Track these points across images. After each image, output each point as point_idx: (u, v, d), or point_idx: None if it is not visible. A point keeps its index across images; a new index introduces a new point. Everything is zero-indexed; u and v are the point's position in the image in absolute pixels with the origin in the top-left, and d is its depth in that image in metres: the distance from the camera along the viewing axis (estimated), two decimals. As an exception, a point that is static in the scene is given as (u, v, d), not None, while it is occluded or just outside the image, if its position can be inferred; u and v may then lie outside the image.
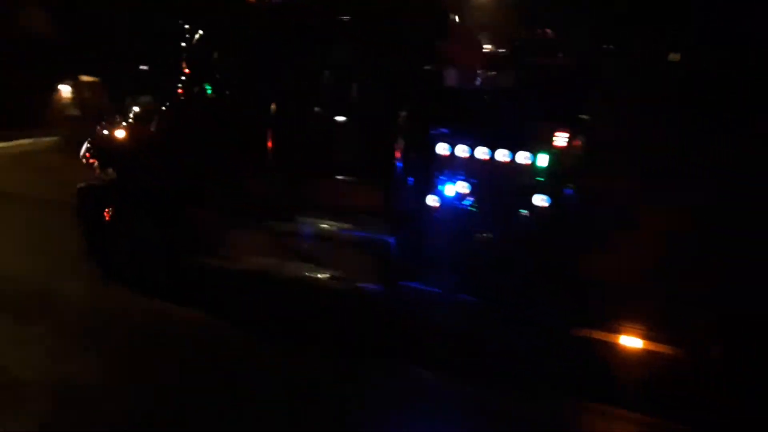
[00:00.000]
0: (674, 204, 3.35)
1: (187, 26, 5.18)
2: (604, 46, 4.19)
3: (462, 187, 4.01)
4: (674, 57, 3.97)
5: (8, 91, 13.66)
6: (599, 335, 3.67)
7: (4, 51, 15.41)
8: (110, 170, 5.36)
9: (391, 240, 4.27)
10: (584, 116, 3.75)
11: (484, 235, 3.98)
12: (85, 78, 15.31)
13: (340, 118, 4.42)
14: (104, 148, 5.43)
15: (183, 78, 5.03)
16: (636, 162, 3.52)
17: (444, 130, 4.08)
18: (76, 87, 15.04)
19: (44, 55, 16.91)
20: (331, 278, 4.45)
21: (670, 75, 3.71)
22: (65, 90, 14.66)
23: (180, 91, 5.09)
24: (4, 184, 8.53)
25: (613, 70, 3.87)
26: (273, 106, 4.60)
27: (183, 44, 5.13)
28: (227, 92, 4.87)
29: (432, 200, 4.10)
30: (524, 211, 3.83)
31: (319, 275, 4.46)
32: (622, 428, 3.56)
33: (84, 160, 5.52)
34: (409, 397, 3.72)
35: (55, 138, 12.75)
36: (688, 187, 3.30)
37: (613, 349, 3.65)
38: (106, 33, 16.35)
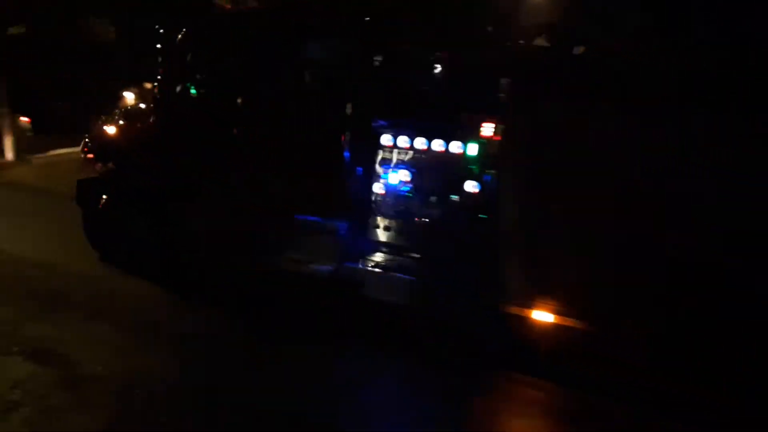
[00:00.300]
0: (582, 190, 3.67)
1: (162, 30, 5.61)
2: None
3: (404, 175, 4.44)
4: (579, 50, 4.09)
5: (75, 97, 14.13)
6: (519, 310, 3.94)
7: (71, 59, 15.92)
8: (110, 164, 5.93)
9: (344, 225, 4.69)
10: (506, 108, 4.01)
11: (422, 219, 4.39)
12: (148, 85, 15.77)
13: (300, 115, 4.85)
14: (100, 144, 6.04)
15: (163, 79, 5.58)
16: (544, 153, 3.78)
17: (386, 122, 4.50)
18: (140, 94, 15.48)
19: (109, 63, 17.41)
20: (291, 261, 4.91)
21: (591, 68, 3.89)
22: (129, 97, 15.11)
23: (156, 90, 5.78)
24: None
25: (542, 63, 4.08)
26: (241, 105, 5.14)
27: (160, 47, 5.84)
28: (206, 93, 5.37)
29: (378, 188, 4.55)
30: (455, 197, 4.24)
31: (280, 259, 4.94)
32: (535, 395, 4.00)
33: (82, 155, 6.19)
34: (336, 367, 4.23)
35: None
36: (596, 174, 3.62)
37: (531, 323, 3.92)
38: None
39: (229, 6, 5.64)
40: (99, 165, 6.00)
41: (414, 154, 4.39)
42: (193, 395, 3.74)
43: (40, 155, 13.84)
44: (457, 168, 4.21)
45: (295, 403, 3.75)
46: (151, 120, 5.74)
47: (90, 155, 6.10)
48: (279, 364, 4.21)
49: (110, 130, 5.98)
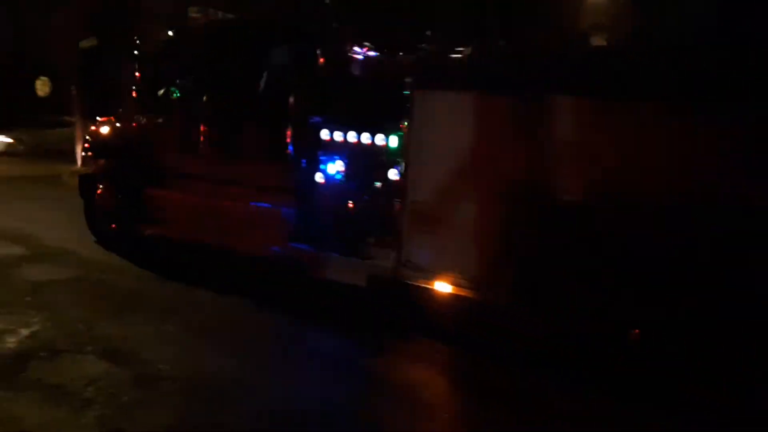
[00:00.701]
0: (469, 174, 4.35)
1: (138, 41, 6.85)
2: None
3: (339, 165, 5.05)
4: (466, 50, 4.69)
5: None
6: (425, 282, 4.51)
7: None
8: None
9: (290, 210, 5.32)
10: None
11: (350, 203, 5.04)
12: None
13: (253, 111, 5.68)
14: (95, 143, 7.11)
15: (141, 81, 6.61)
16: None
17: (322, 118, 5.16)
18: None
19: None
20: (242, 242, 5.65)
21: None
22: None
23: (134, 94, 6.71)
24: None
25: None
26: (206, 103, 5.98)
27: (136, 53, 6.76)
28: (180, 92, 6.26)
29: (318, 177, 5.17)
30: (378, 183, 4.89)
31: (231, 240, 5.73)
32: (432, 356, 4.48)
33: (83, 153, 7.36)
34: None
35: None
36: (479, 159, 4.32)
37: (430, 293, 4.51)
38: None
39: (199, 16, 6.63)
40: (97, 161, 6.98)
41: (346, 146, 5.04)
42: (257, 396, 3.79)
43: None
44: (380, 158, 4.86)
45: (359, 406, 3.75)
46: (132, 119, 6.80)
47: (89, 153, 7.15)
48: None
49: (103, 129, 7.08)
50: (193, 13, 6.73)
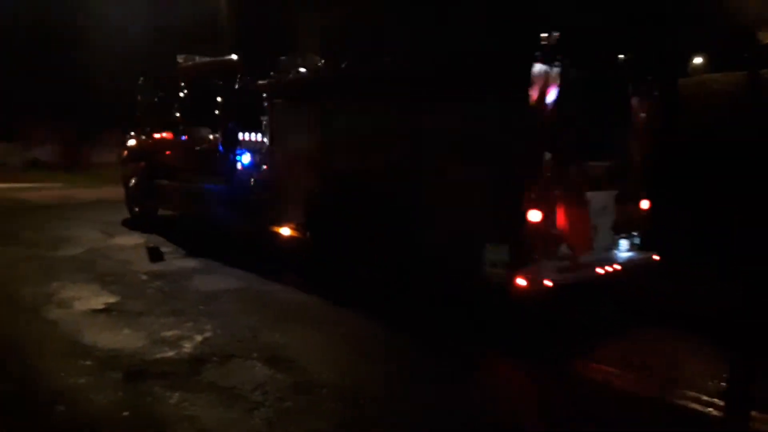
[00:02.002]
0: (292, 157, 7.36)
1: (142, 78, 10.36)
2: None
3: (249, 157, 8.00)
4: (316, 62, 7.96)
5: None
6: (277, 229, 7.43)
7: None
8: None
9: (223, 189, 8.28)
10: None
11: (255, 180, 7.90)
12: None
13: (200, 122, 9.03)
14: (127, 151, 10.88)
15: (140, 106, 10.39)
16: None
17: (235, 124, 8.18)
18: None
19: None
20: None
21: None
22: None
23: (138, 118, 10.50)
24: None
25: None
26: (182, 120, 9.43)
27: (139, 85, 10.32)
28: (165, 113, 9.72)
29: (239, 166, 8.02)
30: (265, 166, 7.78)
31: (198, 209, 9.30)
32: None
33: (121, 158, 11.29)
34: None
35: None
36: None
37: (282, 236, 7.36)
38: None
39: (182, 61, 9.56)
40: (128, 164, 10.75)
41: (248, 143, 8.12)
42: (412, 405, 3.76)
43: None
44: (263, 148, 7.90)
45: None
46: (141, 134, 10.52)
47: (125, 157, 11.00)
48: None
49: (130, 142, 10.77)
50: (180, 59, 9.61)
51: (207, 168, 8.57)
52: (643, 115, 5.91)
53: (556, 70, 4.69)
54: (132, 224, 9.98)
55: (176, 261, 7.33)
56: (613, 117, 5.63)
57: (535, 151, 4.77)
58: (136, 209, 10.36)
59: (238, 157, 7.94)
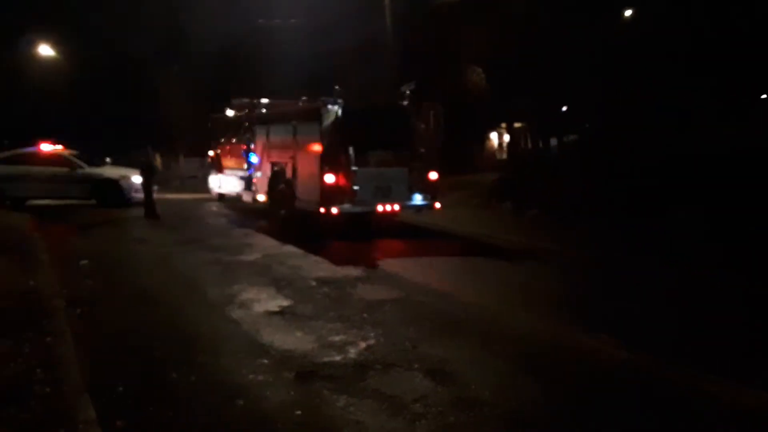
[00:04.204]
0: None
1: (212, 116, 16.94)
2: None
3: (255, 157, 13.74)
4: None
5: (452, 141, 16.10)
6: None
7: (449, 104, 18.52)
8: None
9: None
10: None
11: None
12: (515, 125, 17.05)
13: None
14: (212, 161, 16.87)
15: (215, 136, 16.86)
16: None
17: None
18: (499, 134, 16.89)
19: (479, 106, 19.46)
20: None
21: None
22: (495, 137, 16.59)
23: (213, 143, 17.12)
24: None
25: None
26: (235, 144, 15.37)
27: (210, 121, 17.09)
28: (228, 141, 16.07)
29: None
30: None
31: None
32: None
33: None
34: None
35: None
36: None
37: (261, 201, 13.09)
38: (531, 78, 17.52)
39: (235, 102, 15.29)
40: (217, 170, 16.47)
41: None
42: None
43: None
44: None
45: None
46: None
47: (213, 165, 17.03)
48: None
49: (210, 153, 17.17)
50: (235, 102, 15.16)
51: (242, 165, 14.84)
52: (422, 125, 10.91)
53: (336, 107, 10.25)
54: (300, 233, 10.65)
55: (340, 269, 7.67)
56: (398, 126, 10.57)
57: (329, 149, 10.20)
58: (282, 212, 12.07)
59: (252, 161, 13.86)
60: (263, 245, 9.59)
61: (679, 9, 15.02)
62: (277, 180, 11.94)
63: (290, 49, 23.86)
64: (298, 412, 3.75)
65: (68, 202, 15.67)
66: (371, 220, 11.09)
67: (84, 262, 8.26)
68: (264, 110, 13.80)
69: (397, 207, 10.38)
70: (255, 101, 14.19)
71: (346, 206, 9.91)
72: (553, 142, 19.39)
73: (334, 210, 9.78)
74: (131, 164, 16.31)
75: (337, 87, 10.76)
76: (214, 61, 26.20)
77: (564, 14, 15.94)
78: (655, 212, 9.99)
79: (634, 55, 15.21)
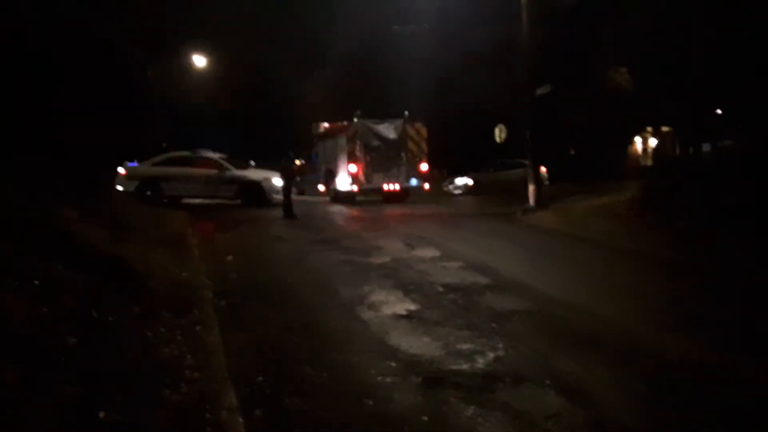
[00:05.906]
0: None
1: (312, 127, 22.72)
2: None
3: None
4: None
5: (585, 145, 15.48)
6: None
7: (590, 107, 17.85)
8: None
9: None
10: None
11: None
12: (663, 129, 15.95)
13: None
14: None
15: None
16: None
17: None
18: (644, 139, 15.82)
19: (623, 109, 18.53)
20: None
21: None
22: (639, 141, 15.60)
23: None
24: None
25: None
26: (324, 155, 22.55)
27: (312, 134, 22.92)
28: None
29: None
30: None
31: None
32: None
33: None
34: None
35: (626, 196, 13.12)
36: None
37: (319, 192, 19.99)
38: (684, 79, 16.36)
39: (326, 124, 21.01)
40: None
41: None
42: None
43: (559, 203, 15.18)
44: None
45: None
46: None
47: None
48: None
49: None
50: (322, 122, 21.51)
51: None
52: (415, 133, 18.69)
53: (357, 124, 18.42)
54: (430, 239, 10.70)
55: (468, 276, 7.58)
56: (395, 140, 18.48)
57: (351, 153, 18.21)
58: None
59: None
60: (392, 248, 9.74)
61: None
62: (330, 175, 19.78)
63: (423, 53, 24.14)
64: (425, 418, 3.75)
65: (216, 201, 17.15)
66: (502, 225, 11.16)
67: (230, 257, 8.90)
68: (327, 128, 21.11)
69: (397, 186, 18.31)
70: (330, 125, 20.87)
71: (366, 186, 18.14)
72: (705, 147, 17.81)
73: (355, 187, 17.92)
74: (272, 167, 17.77)
75: (358, 111, 18.05)
76: (347, 68, 27.37)
77: (720, 9, 14.58)
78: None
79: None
